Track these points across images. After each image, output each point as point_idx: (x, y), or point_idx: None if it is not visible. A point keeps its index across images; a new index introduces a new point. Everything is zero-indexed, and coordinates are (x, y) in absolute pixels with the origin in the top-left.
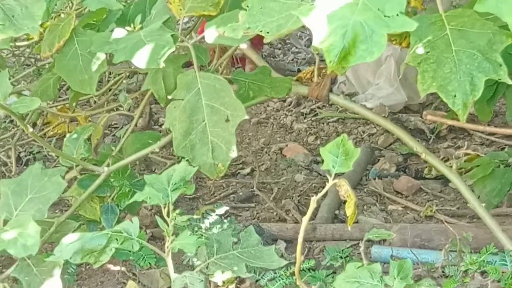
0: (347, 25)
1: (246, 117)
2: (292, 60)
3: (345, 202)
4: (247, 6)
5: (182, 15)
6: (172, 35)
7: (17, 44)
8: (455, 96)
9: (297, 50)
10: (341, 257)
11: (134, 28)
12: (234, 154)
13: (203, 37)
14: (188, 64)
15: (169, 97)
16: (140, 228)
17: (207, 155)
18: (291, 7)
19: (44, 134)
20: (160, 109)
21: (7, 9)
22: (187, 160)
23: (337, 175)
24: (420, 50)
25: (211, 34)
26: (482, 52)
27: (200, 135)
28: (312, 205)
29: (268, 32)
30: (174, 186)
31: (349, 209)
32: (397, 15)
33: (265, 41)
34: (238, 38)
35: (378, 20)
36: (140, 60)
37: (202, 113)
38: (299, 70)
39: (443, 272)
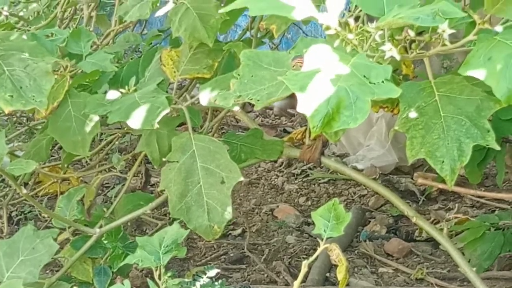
0: (331, 91)
1: (242, 179)
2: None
3: (336, 265)
4: (238, 75)
5: (176, 77)
6: (167, 97)
7: None
8: (443, 162)
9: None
10: None
11: (129, 90)
12: (229, 216)
13: (196, 99)
14: (180, 125)
15: (164, 159)
16: None
17: (203, 217)
18: (282, 74)
19: (36, 194)
20: (151, 169)
21: (16, 80)
22: (180, 222)
23: (328, 239)
24: (412, 114)
25: (205, 97)
26: (470, 118)
27: (196, 197)
28: (304, 269)
29: (258, 100)
30: (166, 248)
31: (340, 274)
32: (383, 81)
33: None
34: (229, 106)
35: (363, 86)
36: (135, 121)
37: (197, 175)
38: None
39: None
